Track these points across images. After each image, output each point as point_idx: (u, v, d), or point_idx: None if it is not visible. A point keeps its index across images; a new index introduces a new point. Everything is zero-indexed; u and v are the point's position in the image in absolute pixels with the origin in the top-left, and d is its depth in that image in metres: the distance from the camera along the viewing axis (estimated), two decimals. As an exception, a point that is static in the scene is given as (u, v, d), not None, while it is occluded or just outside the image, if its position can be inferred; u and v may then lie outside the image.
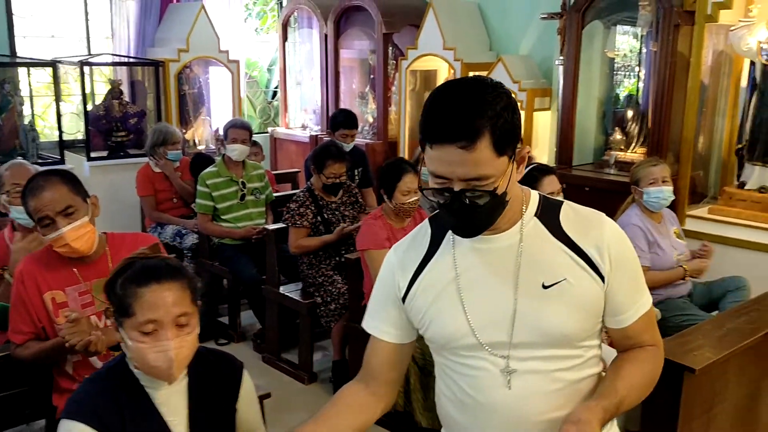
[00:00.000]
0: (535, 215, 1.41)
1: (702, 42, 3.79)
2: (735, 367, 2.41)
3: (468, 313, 1.39)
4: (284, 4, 6.88)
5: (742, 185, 3.92)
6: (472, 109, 1.25)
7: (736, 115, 4.08)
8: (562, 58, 4.54)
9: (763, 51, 3.69)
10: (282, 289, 3.88)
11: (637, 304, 1.43)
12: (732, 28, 3.79)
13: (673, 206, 3.63)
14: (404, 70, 5.40)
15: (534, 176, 2.85)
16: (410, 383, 3.12)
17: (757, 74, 3.79)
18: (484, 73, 5.00)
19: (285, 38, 6.48)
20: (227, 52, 5.83)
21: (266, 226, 4.04)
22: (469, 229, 1.36)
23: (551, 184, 2.88)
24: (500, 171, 1.29)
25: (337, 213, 3.80)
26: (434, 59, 5.28)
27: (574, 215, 1.42)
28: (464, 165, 1.25)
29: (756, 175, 3.84)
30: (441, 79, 5.69)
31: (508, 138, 1.28)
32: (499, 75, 4.90)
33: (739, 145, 3.95)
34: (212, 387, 1.61)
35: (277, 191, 4.73)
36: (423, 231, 1.51)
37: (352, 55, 6.06)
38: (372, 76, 5.87)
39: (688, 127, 3.91)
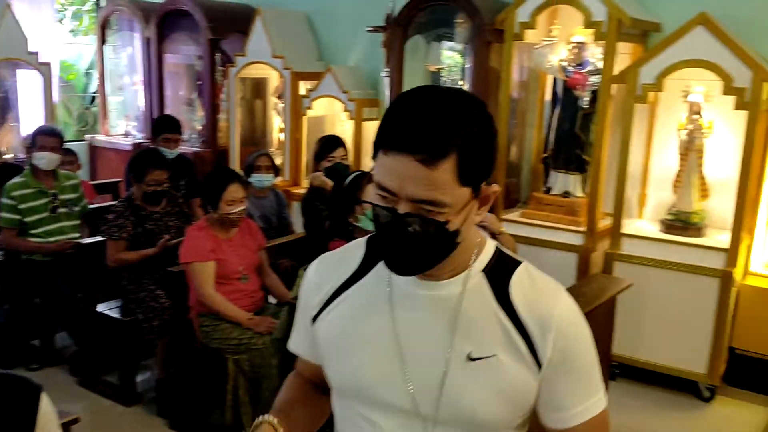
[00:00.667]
0: (484, 270, 1.16)
1: (511, 59, 4.09)
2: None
3: (405, 364, 1.14)
4: (102, 4, 6.49)
5: (548, 191, 4.27)
6: (446, 121, 1.02)
7: (543, 127, 4.44)
8: (387, 70, 4.69)
9: (563, 69, 4.05)
10: (100, 307, 3.64)
11: (585, 404, 1.16)
12: (536, 46, 4.13)
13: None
14: (233, 77, 5.31)
15: (359, 184, 2.91)
16: (239, 397, 3.06)
17: (559, 90, 4.15)
18: (314, 83, 5.05)
19: (103, 41, 6.12)
20: (37, 53, 5.40)
21: (80, 240, 3.77)
22: (404, 265, 1.10)
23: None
24: (458, 203, 1.05)
25: (160, 224, 3.64)
26: (264, 67, 5.24)
27: (528, 282, 1.15)
28: (418, 182, 1.02)
29: (560, 182, 4.21)
30: (271, 88, 5.66)
31: (478, 168, 1.05)
32: (328, 85, 4.97)
33: (545, 155, 4.31)
34: (1, 416, 1.47)
35: (95, 203, 4.44)
36: (355, 247, 1.27)
37: (178, 60, 5.85)
38: (199, 83, 5.70)
39: (501, 138, 4.19)
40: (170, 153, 4.27)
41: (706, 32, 3.42)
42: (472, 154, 1.03)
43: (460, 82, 4.74)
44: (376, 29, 4.76)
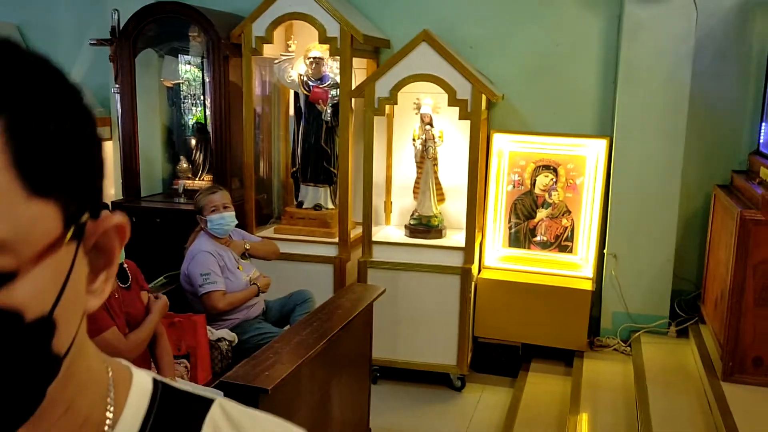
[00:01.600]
0: (146, 422, 0.61)
1: (251, 73, 4.02)
2: (306, 377, 2.58)
3: None
4: None
5: (300, 204, 4.28)
6: None
7: (289, 141, 4.44)
8: (117, 86, 4.34)
9: (304, 83, 4.09)
10: None
11: None
12: (275, 61, 4.11)
13: (244, 228, 3.78)
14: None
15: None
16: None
17: (302, 104, 4.18)
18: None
19: None
20: None
21: None
22: None
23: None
24: (31, 241, 0.50)
25: None
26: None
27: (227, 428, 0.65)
28: None
29: (310, 195, 4.24)
30: None
31: (60, 161, 0.52)
32: (49, 103, 4.44)
33: (293, 169, 4.31)
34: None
35: None
36: None
37: None
38: None
39: (248, 153, 4.11)
40: None
41: (429, 48, 3.67)
42: (36, 133, 0.50)
43: (202, 98, 4.55)
44: (101, 42, 4.38)
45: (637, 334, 4.06)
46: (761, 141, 3.78)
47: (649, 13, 3.85)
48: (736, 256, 3.13)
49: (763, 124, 3.78)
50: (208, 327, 3.11)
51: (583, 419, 3.39)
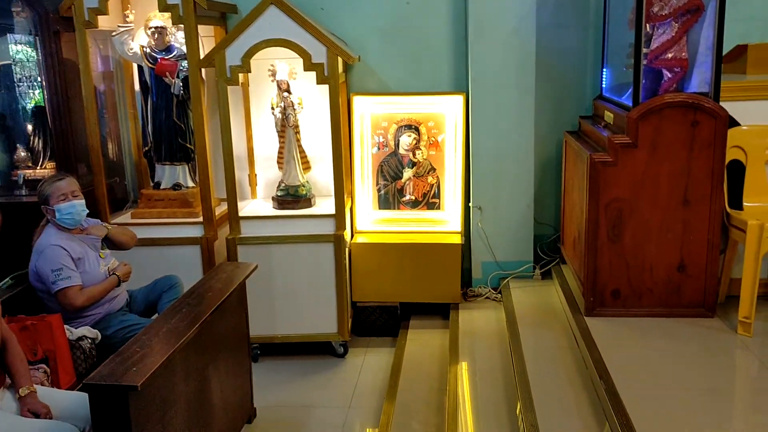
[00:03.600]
0: None
1: (87, 48, 3.70)
2: (180, 367, 2.45)
3: None
4: None
5: (158, 185, 4.04)
6: None
7: (138, 119, 4.16)
8: (-69, 71, 3.86)
9: (147, 56, 3.82)
10: None
11: None
12: (113, 33, 3.81)
13: (97, 216, 3.52)
14: None
15: None
16: None
17: (147, 78, 3.91)
18: None
19: None
20: None
21: None
22: None
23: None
24: None
25: None
26: None
27: None
28: None
29: (167, 174, 4.01)
30: None
31: None
32: None
33: (146, 148, 4.05)
34: None
35: None
36: None
37: None
38: None
39: (92, 136, 3.80)
40: None
41: (279, 12, 3.54)
42: None
43: (39, 79, 4.12)
44: None
45: (505, 280, 4.24)
46: (603, 86, 4.00)
47: (492, -33, 3.93)
48: (589, 197, 3.31)
49: (605, 70, 3.99)
50: (66, 326, 2.88)
51: (463, 367, 3.50)
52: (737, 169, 3.42)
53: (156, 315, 3.26)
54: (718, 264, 3.31)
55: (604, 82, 3.99)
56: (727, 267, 3.47)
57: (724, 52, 3.22)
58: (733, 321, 3.23)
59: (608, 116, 3.62)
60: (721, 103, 3.17)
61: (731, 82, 3.41)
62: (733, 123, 3.33)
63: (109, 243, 3.29)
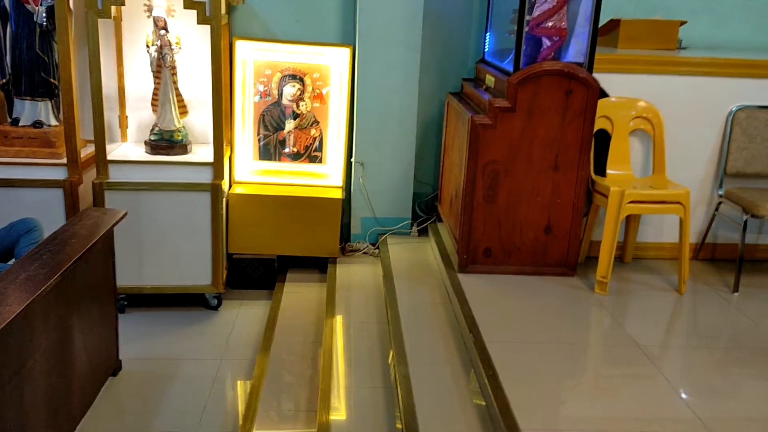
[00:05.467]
0: None
1: (-68, -38, 3.29)
2: (39, 316, 2.30)
3: None
4: None
5: (15, 122, 3.71)
6: None
7: None
8: None
9: (5, -23, 3.46)
10: None
11: None
12: (-35, -52, 3.41)
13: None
14: None
15: None
16: None
17: (7, 4, 3.54)
18: None
19: None
20: None
21: None
22: None
23: None
24: None
25: None
26: None
27: None
28: None
29: (27, 111, 3.68)
30: None
31: None
32: None
33: (3, 81, 3.69)
34: None
35: None
36: None
37: None
38: None
39: (-61, 62, 3.41)
40: None
41: (159, -57, 3.31)
42: None
43: None
44: None
45: (384, 236, 4.30)
46: (486, 50, 4.09)
47: None
48: (468, 158, 3.40)
49: (487, 34, 4.08)
50: None
51: (338, 320, 3.54)
52: (603, 138, 3.64)
53: (13, 260, 3.02)
54: (581, 227, 3.53)
55: (486, 47, 4.08)
56: (589, 229, 3.71)
57: (600, 25, 3.38)
58: (591, 280, 3.47)
59: (489, 80, 3.72)
60: (594, 74, 3.34)
61: (604, 54, 3.59)
62: (603, 94, 3.53)
63: None
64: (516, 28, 3.33)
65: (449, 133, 4.10)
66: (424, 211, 4.49)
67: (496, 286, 3.42)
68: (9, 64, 3.61)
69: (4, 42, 3.62)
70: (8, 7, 3.54)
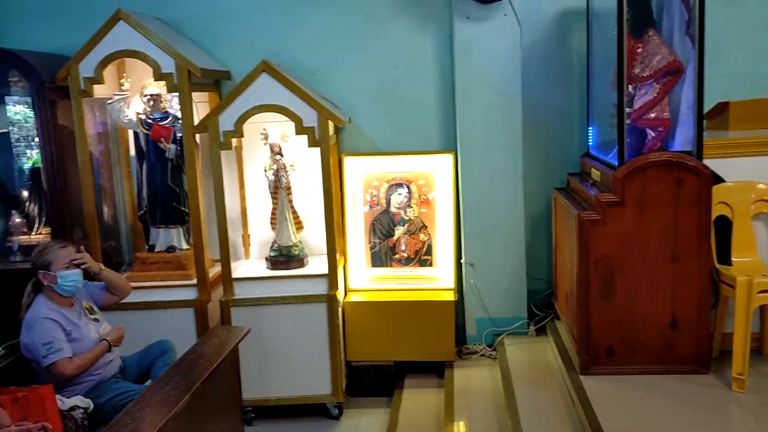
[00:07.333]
0: None
1: (82, 116, 3.78)
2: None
3: None
4: None
5: (152, 248, 4.07)
6: None
7: (133, 183, 4.21)
8: (-71, 140, 3.92)
9: (143, 122, 3.89)
10: None
11: None
12: (109, 101, 3.89)
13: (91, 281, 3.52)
14: None
15: None
16: None
17: (143, 143, 3.98)
18: None
19: None
20: None
21: None
22: None
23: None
24: None
25: None
26: None
27: None
28: None
29: (162, 237, 4.04)
30: None
31: None
32: None
33: (141, 212, 4.09)
34: None
35: None
36: None
37: None
38: None
39: (88, 201, 3.85)
40: None
41: (270, 79, 3.63)
42: None
43: (37, 139, 4.14)
44: None
45: (500, 337, 4.23)
46: (590, 143, 4.08)
47: (476, 31, 4.05)
48: (579, 254, 3.34)
49: (590, 128, 4.08)
50: (58, 396, 2.87)
51: (459, 428, 3.47)
52: (724, 225, 3.46)
53: (149, 381, 3.24)
54: (709, 320, 3.32)
55: (590, 140, 4.07)
56: (719, 322, 3.48)
57: (707, 108, 3.29)
58: (727, 376, 3.22)
59: (595, 174, 3.68)
60: (705, 161, 3.23)
61: (714, 139, 3.48)
62: (718, 179, 3.39)
63: (100, 296, 3.27)
64: (617, 121, 3.32)
65: (558, 230, 4.05)
66: (541, 309, 4.39)
67: (622, 388, 3.24)
68: (146, 196, 4.01)
69: (141, 177, 4.03)
70: (144, 146, 3.97)
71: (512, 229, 4.23)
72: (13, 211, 4.15)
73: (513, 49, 4.07)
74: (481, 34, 4.05)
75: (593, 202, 3.37)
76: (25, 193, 4.16)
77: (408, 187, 4.27)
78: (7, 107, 4.13)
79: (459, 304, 4.26)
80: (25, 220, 4.13)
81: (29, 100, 4.05)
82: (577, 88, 4.30)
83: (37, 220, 4.13)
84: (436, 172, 4.25)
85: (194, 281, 3.88)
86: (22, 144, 4.23)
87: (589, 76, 4.07)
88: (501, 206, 4.20)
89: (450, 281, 4.25)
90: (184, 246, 4.07)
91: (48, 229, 4.06)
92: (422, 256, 4.31)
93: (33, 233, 4.11)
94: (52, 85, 3.78)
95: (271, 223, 4.08)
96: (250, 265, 4.14)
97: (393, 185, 4.28)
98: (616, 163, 3.33)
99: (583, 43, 4.15)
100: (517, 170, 4.17)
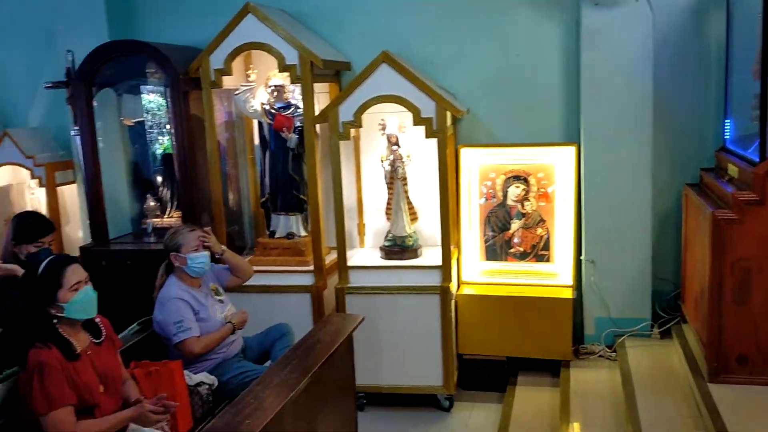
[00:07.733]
0: None
1: (212, 106, 3.95)
2: (290, 417, 2.51)
3: None
4: None
5: (272, 234, 4.21)
6: None
7: (257, 171, 4.37)
8: (77, 128, 4.24)
9: (267, 112, 4.03)
10: None
11: None
12: (236, 92, 4.05)
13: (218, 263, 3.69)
14: None
15: (56, 271, 2.52)
16: None
17: (267, 133, 4.12)
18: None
19: None
20: None
21: None
22: None
23: (76, 274, 2.57)
24: None
25: None
26: None
27: None
28: None
29: (282, 224, 4.17)
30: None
31: None
32: (7, 150, 4.35)
33: (263, 199, 4.24)
34: None
35: None
36: None
37: None
38: None
39: (215, 188, 4.03)
40: None
41: (390, 69, 3.64)
42: None
43: (168, 126, 4.39)
44: (56, 85, 4.29)
45: (621, 338, 4.04)
46: (726, 137, 3.80)
47: (605, 18, 3.87)
48: (712, 255, 3.12)
49: (728, 120, 3.80)
50: (186, 372, 3.03)
51: (574, 430, 3.36)
52: None
53: (269, 362, 3.37)
54: None
55: (727, 134, 3.79)
56: None
57: None
58: None
59: (732, 170, 3.43)
60: None
61: None
62: None
63: (225, 277, 3.42)
64: (759, 114, 3.07)
65: (689, 228, 3.81)
66: (666, 311, 4.16)
67: (755, 398, 3.01)
68: (268, 184, 4.15)
69: (264, 165, 4.18)
70: (267, 136, 4.11)
71: (638, 225, 4.02)
72: (148, 195, 4.43)
73: (644, 38, 3.85)
74: (610, 21, 3.86)
75: (730, 200, 3.14)
76: (159, 179, 4.42)
77: (526, 180, 4.16)
78: (144, 95, 4.40)
79: (577, 302, 4.12)
80: (158, 204, 4.40)
81: (162, 89, 4.29)
82: (713, 79, 4.01)
83: (169, 204, 4.38)
84: (556, 164, 4.11)
85: (311, 267, 3.98)
86: (155, 131, 4.49)
87: (728, 65, 3.78)
88: (626, 201, 4.01)
89: (568, 278, 4.11)
90: (303, 233, 4.18)
91: (179, 213, 4.30)
92: (539, 251, 4.20)
93: (165, 216, 4.37)
94: (186, 76, 3.97)
95: (387, 213, 4.11)
96: (364, 253, 4.19)
97: (510, 177, 4.18)
98: (757, 159, 3.08)
99: (721, 30, 3.86)
100: (645, 164, 3.96)
